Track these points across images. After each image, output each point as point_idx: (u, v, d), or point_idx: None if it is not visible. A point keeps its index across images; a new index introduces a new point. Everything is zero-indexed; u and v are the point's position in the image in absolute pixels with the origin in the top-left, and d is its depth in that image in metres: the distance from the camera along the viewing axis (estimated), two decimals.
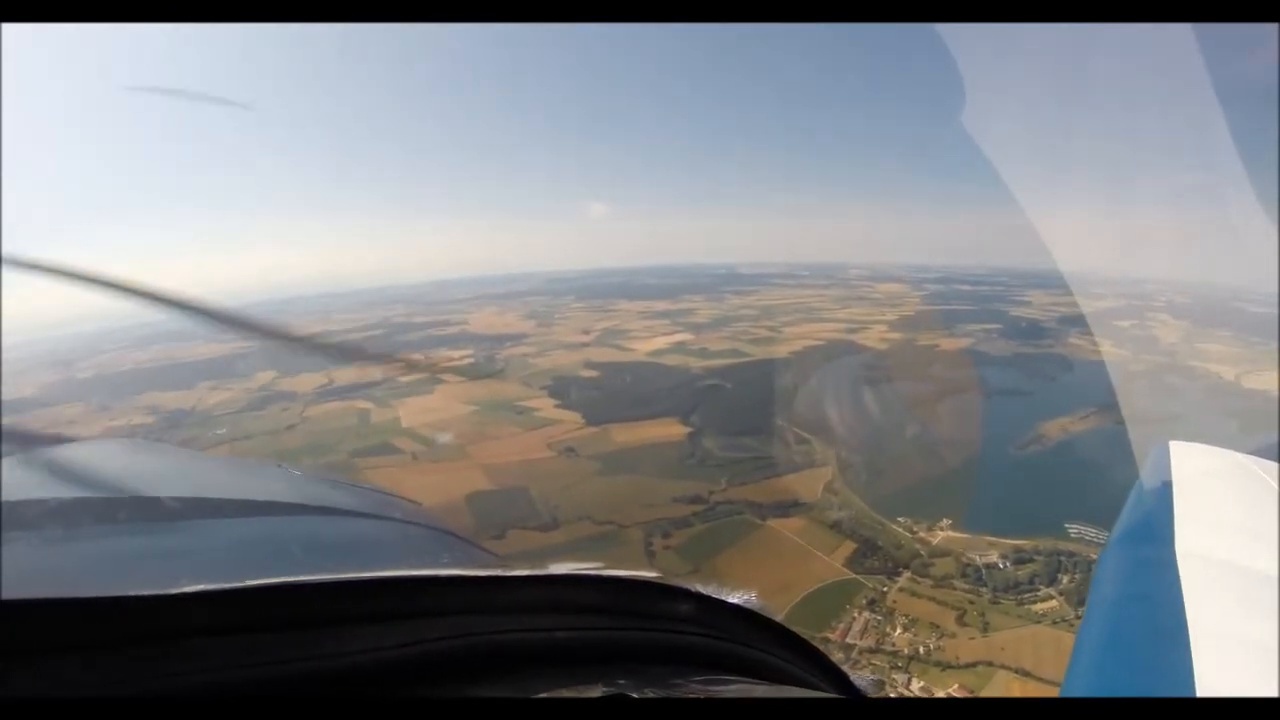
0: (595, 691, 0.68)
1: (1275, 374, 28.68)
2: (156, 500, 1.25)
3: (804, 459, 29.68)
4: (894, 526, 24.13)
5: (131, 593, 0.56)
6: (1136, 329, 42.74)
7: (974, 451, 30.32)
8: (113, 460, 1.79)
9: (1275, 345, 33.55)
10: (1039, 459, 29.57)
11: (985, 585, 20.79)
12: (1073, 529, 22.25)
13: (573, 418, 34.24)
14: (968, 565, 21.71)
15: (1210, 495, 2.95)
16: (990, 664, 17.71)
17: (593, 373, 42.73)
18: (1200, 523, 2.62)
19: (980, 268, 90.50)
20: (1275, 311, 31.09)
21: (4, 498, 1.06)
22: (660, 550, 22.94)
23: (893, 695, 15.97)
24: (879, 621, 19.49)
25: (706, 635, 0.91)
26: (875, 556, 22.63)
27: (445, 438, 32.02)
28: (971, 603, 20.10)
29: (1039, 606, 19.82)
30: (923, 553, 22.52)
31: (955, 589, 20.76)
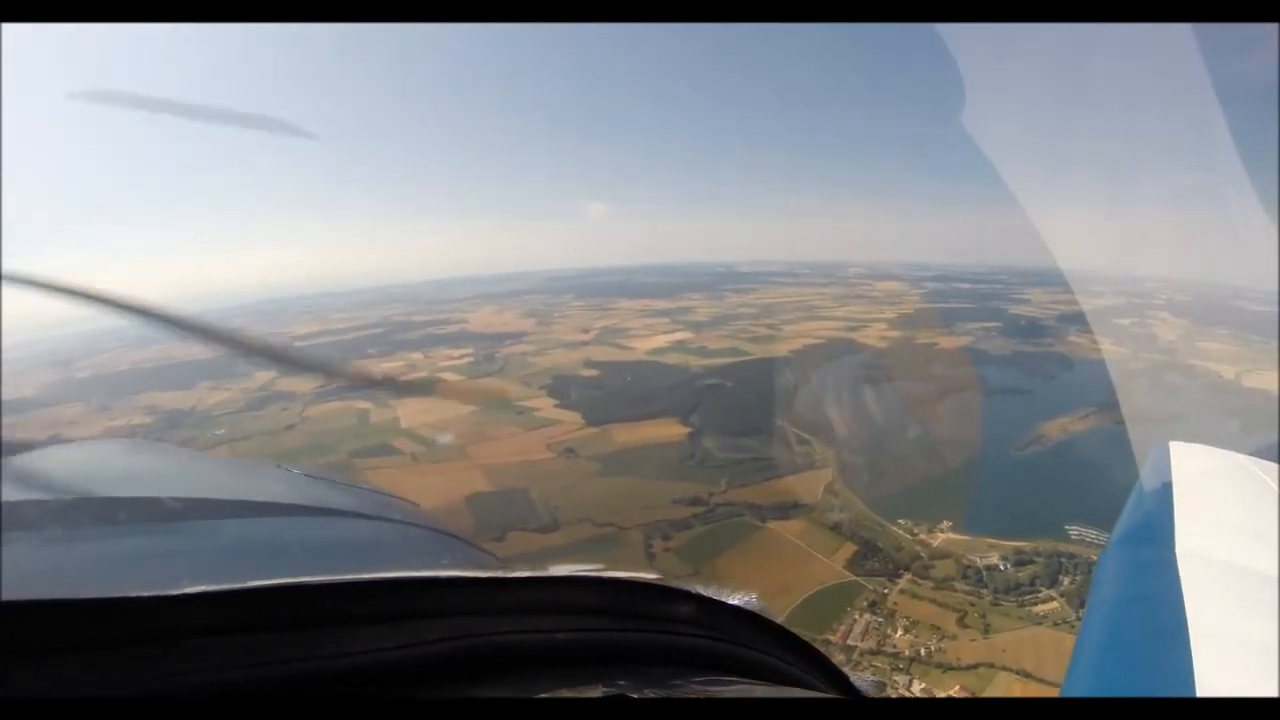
0: (595, 692, 0.68)
1: (1275, 373, 28.68)
2: (156, 500, 1.24)
3: (804, 460, 29.68)
4: (894, 528, 24.13)
5: (131, 593, 0.56)
6: (1136, 327, 42.74)
7: (974, 452, 30.32)
8: (112, 460, 1.79)
9: (1275, 344, 33.57)
10: (1039, 459, 29.57)
11: (986, 587, 20.80)
12: (1073, 530, 22.26)
13: (572, 418, 34.24)
14: (968, 567, 21.71)
15: (1210, 496, 2.95)
16: (991, 665, 17.71)
17: (592, 372, 42.74)
18: (1200, 524, 2.63)
19: (980, 266, 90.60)
20: (1275, 310, 31.09)
21: (4, 498, 1.06)
22: (660, 552, 22.94)
23: (894, 696, 15.97)
24: (880, 623, 19.49)
25: (707, 637, 0.91)
26: (876, 558, 22.62)
27: (445, 438, 32.02)
28: (972, 604, 20.09)
29: (1040, 608, 19.83)
30: (923, 555, 22.52)
31: (956, 591, 20.76)
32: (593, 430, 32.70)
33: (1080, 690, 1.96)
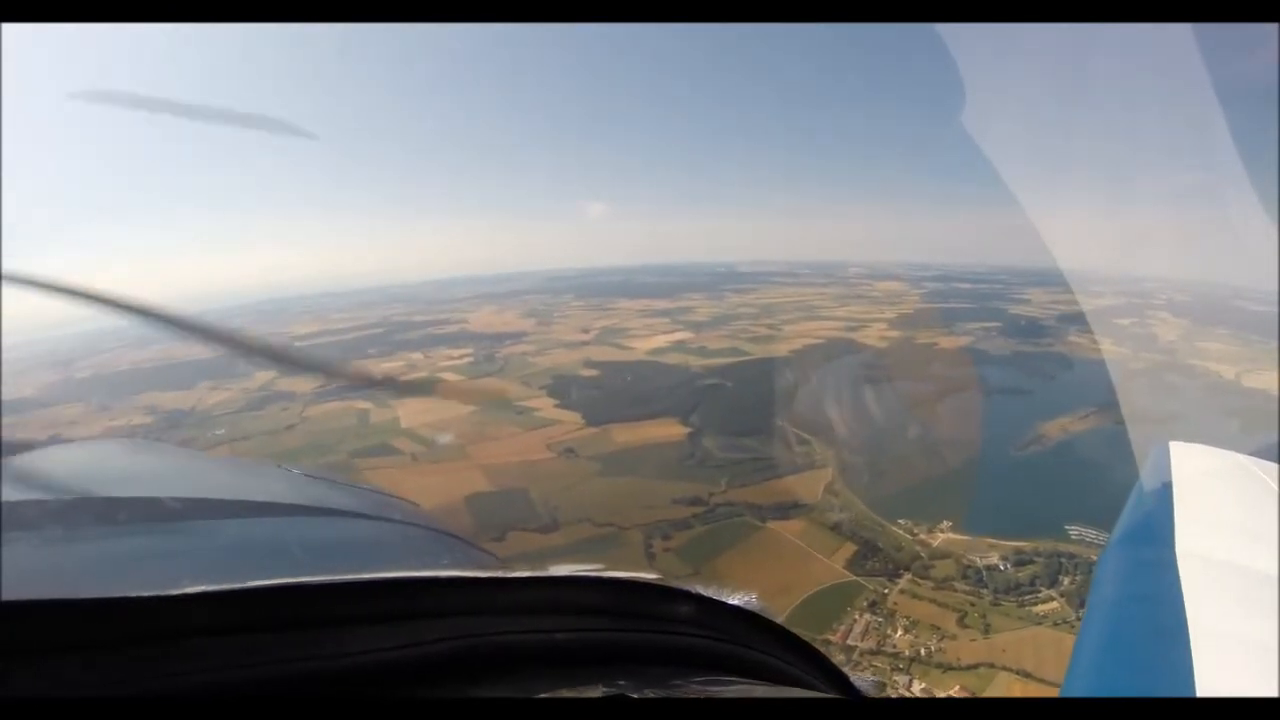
0: (595, 692, 0.68)
1: (1275, 373, 28.70)
2: (156, 500, 1.24)
3: (804, 460, 29.68)
4: (894, 528, 24.13)
5: (131, 593, 0.56)
6: (1136, 327, 42.74)
7: (974, 452, 30.31)
8: (112, 460, 1.79)
9: (1275, 344, 33.58)
10: (1039, 459, 29.57)
11: (986, 587, 20.79)
12: (1073, 530, 22.26)
13: (572, 418, 34.24)
14: (968, 567, 21.71)
15: (1210, 496, 2.95)
16: (992, 665, 17.71)
17: (592, 372, 42.75)
18: (1200, 524, 2.63)
19: (979, 266, 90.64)
20: (1274, 310, 31.10)
21: (4, 498, 1.06)
22: (660, 552, 22.94)
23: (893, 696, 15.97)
24: (880, 623, 19.49)
25: (707, 636, 0.91)
26: (876, 558, 22.62)
27: (445, 438, 32.02)
28: (972, 604, 20.09)
29: (1040, 608, 19.83)
30: (923, 555, 22.52)
31: (956, 591, 20.76)
32: (593, 430, 32.70)
33: (1080, 690, 1.96)
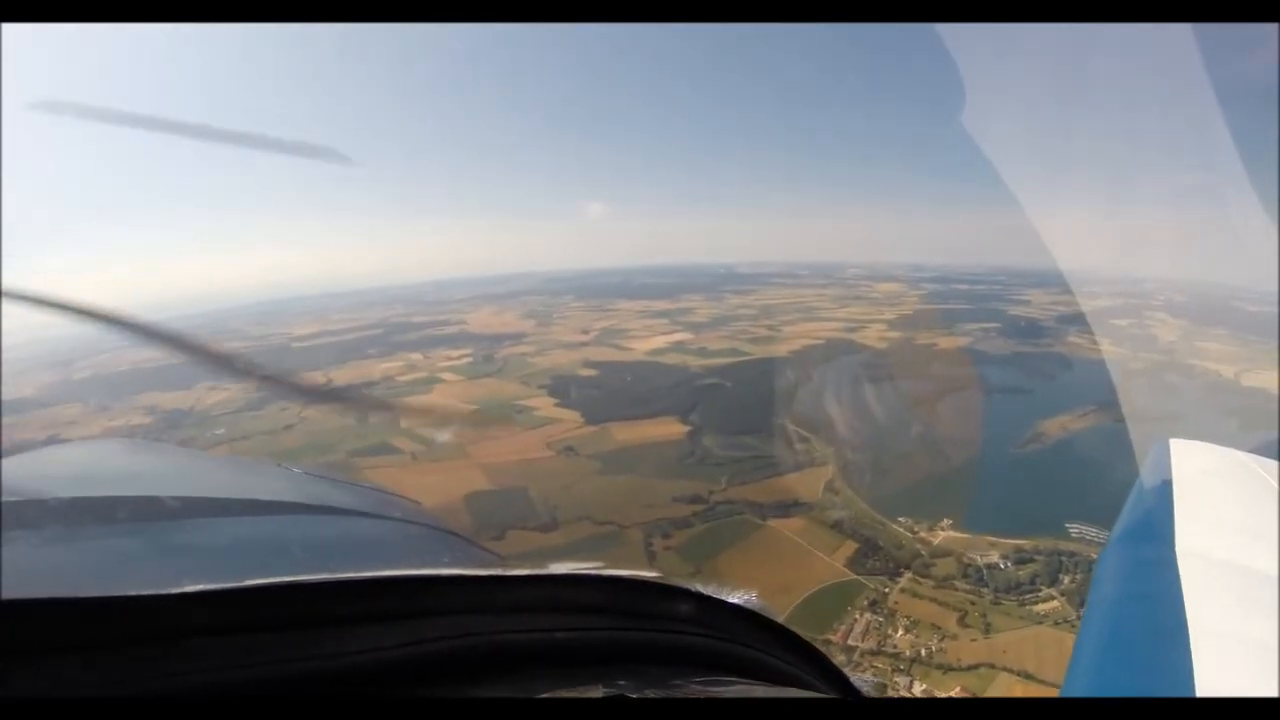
0: (595, 692, 0.68)
1: (1274, 372, 28.73)
2: (156, 500, 1.24)
3: (804, 458, 29.68)
4: (895, 527, 24.13)
5: (131, 593, 0.56)
6: (1135, 327, 42.77)
7: (974, 450, 30.33)
8: (112, 460, 1.79)
9: (1273, 344, 33.60)
10: (1039, 457, 29.59)
11: (987, 586, 20.79)
12: (1073, 528, 22.26)
13: (572, 416, 34.25)
14: (969, 566, 21.71)
15: (1211, 494, 2.95)
16: (992, 666, 17.69)
17: (592, 371, 42.76)
18: (1201, 522, 2.62)
19: (978, 267, 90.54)
20: (1273, 310, 31.12)
21: (4, 498, 1.06)
22: (661, 551, 22.93)
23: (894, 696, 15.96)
24: (880, 623, 19.49)
25: (707, 636, 0.91)
26: (876, 557, 22.62)
27: (444, 437, 32.00)
28: (973, 603, 20.09)
29: (1041, 607, 19.83)
30: (924, 553, 22.52)
31: (957, 590, 20.76)
32: (592, 429, 32.71)
33: (1080, 690, 1.96)
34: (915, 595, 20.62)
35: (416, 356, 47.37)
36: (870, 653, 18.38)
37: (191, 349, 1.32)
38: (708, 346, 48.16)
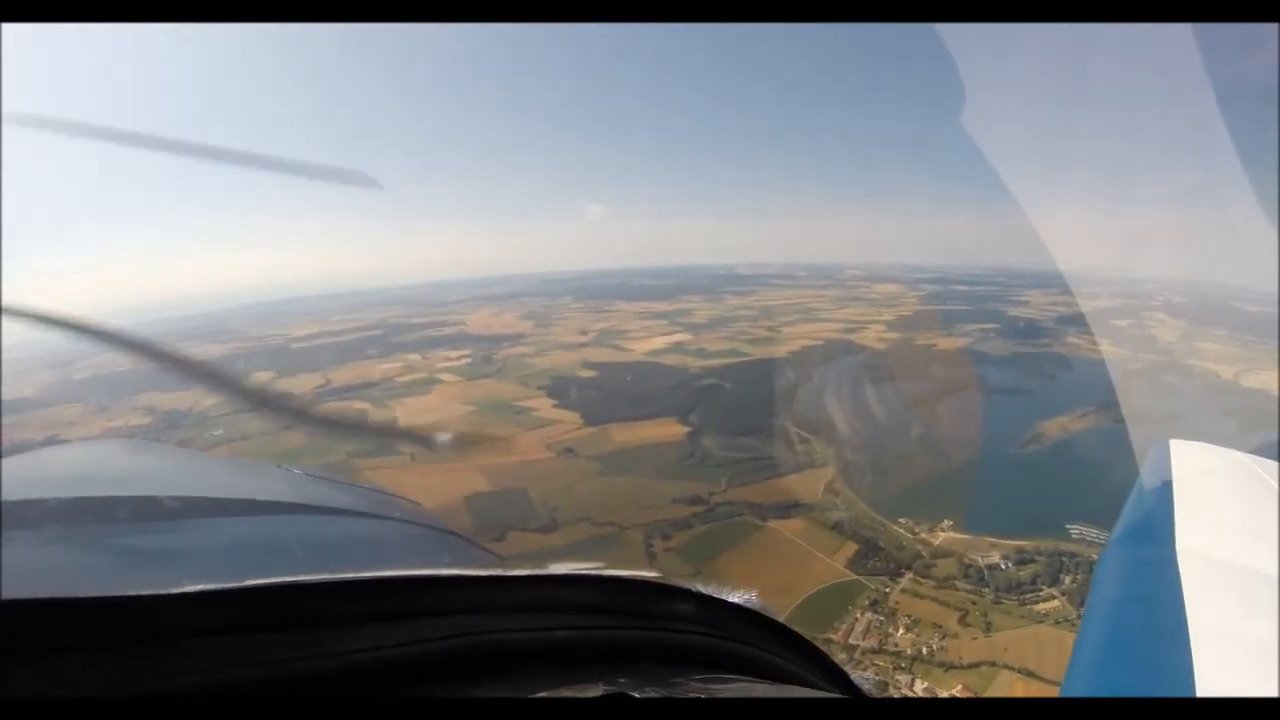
0: (595, 691, 0.68)
1: (1274, 373, 28.73)
2: (156, 500, 1.25)
3: (804, 459, 29.68)
4: (895, 527, 24.13)
5: (131, 593, 0.56)
6: (1134, 328, 42.80)
7: (974, 451, 30.33)
8: (111, 460, 1.79)
9: (1273, 344, 33.62)
10: (1039, 458, 29.59)
11: (987, 586, 20.81)
12: (1074, 529, 22.27)
13: (571, 418, 34.24)
14: (970, 566, 21.72)
15: (1210, 494, 2.95)
16: (993, 664, 17.72)
17: (591, 372, 42.75)
18: (1200, 522, 2.62)
19: (977, 268, 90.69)
20: (1272, 310, 31.14)
21: (4, 498, 1.06)
22: (661, 552, 22.92)
23: (895, 696, 15.96)
24: (881, 622, 19.49)
25: (707, 635, 0.91)
26: (877, 557, 22.62)
27: (443, 438, 31.93)
28: (974, 603, 20.10)
29: (1042, 606, 19.84)
30: (924, 554, 22.52)
31: (957, 589, 20.77)
32: (592, 430, 32.70)
33: (1080, 689, 1.96)
34: (916, 595, 20.62)
35: (415, 357, 47.38)
36: (871, 651, 18.39)
37: (162, 357, 1.32)
38: (707, 347, 48.17)
